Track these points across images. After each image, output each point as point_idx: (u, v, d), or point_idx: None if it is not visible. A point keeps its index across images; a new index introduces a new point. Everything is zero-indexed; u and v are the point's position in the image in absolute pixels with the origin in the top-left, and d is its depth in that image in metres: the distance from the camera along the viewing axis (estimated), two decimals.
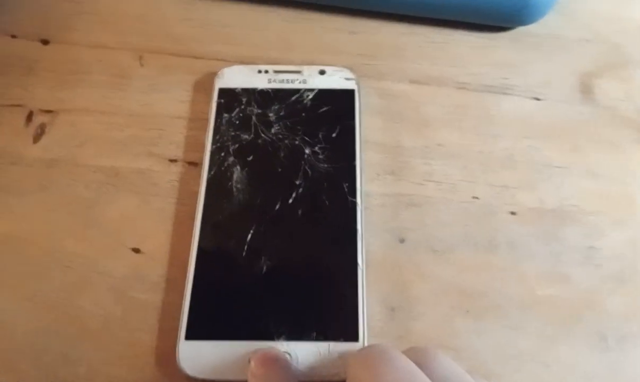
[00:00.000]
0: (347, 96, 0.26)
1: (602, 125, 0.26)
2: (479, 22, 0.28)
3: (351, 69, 0.27)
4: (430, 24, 0.29)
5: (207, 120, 0.26)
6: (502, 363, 0.21)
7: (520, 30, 0.29)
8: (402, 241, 0.24)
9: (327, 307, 0.21)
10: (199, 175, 0.25)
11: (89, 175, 0.26)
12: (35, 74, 0.28)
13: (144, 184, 0.26)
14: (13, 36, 0.29)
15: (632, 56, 0.28)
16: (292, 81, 0.26)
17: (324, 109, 0.26)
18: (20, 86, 0.28)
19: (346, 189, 0.24)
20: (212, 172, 0.24)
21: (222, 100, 0.26)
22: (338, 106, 0.26)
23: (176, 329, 0.22)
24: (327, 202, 0.23)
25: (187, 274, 0.22)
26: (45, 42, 0.29)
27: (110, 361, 0.22)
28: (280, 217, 0.23)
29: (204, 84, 0.28)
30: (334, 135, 0.25)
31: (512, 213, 0.24)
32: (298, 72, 0.27)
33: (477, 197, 0.25)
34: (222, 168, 0.25)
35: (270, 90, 0.26)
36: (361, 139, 0.25)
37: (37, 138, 0.27)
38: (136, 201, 0.25)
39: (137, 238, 0.24)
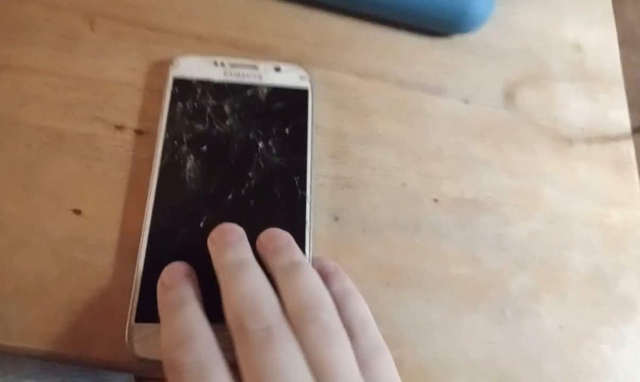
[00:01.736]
0: (300, 95, 0.27)
1: (520, 129, 0.29)
2: (422, 26, 0.31)
3: (305, 68, 0.28)
4: (377, 22, 0.31)
5: (157, 91, 0.27)
6: (415, 330, 0.24)
7: (458, 37, 0.31)
8: (336, 219, 0.26)
9: None
10: (147, 148, 0.26)
11: (30, 135, 0.26)
12: None
13: (88, 148, 0.26)
14: None
15: (552, 71, 0.31)
16: (248, 75, 0.27)
17: (278, 105, 0.26)
18: None
19: (297, 183, 0.25)
20: (164, 161, 0.25)
21: (177, 90, 0.26)
22: (292, 104, 0.27)
23: (115, 289, 0.23)
24: (278, 194, 0.24)
25: (137, 260, 0.23)
26: None
27: (46, 319, 0.23)
28: (233, 207, 0.24)
29: (155, 55, 0.28)
30: (286, 131, 0.26)
31: (435, 200, 0.27)
32: (254, 67, 0.27)
33: (406, 184, 0.27)
34: (175, 157, 0.25)
35: (225, 84, 0.27)
36: (312, 136, 0.26)
37: None
38: (78, 164, 0.25)
39: (77, 201, 0.25)
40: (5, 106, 0.26)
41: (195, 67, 0.27)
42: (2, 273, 0.23)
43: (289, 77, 0.27)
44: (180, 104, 0.26)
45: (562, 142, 0.30)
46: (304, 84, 0.27)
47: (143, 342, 0.21)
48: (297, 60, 0.29)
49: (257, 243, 0.22)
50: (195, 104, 0.26)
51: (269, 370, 0.17)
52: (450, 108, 0.29)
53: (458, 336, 0.24)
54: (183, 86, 0.26)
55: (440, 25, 0.30)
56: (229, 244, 0.21)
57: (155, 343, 0.21)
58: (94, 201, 0.25)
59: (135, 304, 0.22)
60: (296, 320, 0.18)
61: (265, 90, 0.27)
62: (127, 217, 0.25)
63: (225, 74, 0.27)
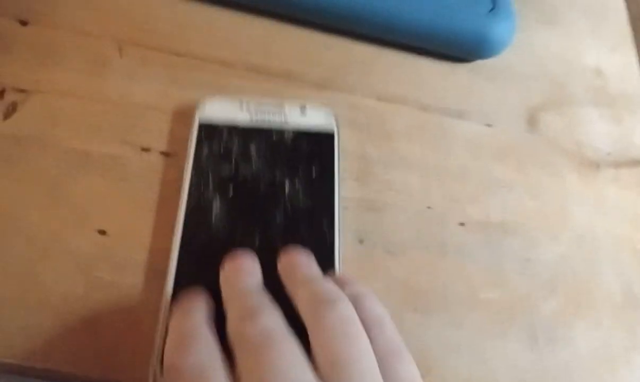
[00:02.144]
0: (327, 139, 0.27)
1: (544, 152, 0.29)
2: (443, 52, 0.31)
3: (331, 109, 0.28)
4: (398, 47, 0.31)
5: (183, 115, 0.27)
6: (443, 355, 0.23)
7: (479, 62, 0.32)
8: (361, 241, 0.26)
9: None
10: (173, 169, 0.26)
11: (59, 155, 0.26)
12: (10, 53, 0.29)
13: (114, 169, 0.26)
14: None
15: (575, 96, 0.32)
16: (273, 116, 0.27)
17: (304, 148, 0.26)
18: None
19: (325, 226, 0.24)
20: (190, 205, 0.25)
21: (203, 133, 0.26)
22: (318, 147, 0.26)
23: (141, 310, 0.23)
24: (306, 236, 0.24)
25: (161, 310, 0.22)
26: (23, 23, 0.30)
27: (68, 337, 0.22)
28: (260, 250, 0.23)
29: (181, 81, 0.29)
30: (313, 174, 0.26)
31: (461, 224, 0.27)
32: (279, 107, 0.27)
33: (430, 207, 0.27)
34: (201, 200, 0.25)
35: (251, 128, 0.27)
36: (339, 178, 0.26)
37: (7, 115, 0.27)
38: (104, 184, 0.26)
39: (103, 219, 0.25)
40: (36, 128, 0.27)
41: (221, 109, 0.27)
42: (26, 283, 0.23)
43: (315, 118, 0.27)
44: (206, 149, 0.26)
45: (589, 166, 0.29)
46: (330, 126, 0.27)
47: None
48: (320, 86, 0.30)
49: (279, 266, 0.22)
50: (221, 147, 0.26)
51: (269, 371, 0.16)
52: (473, 131, 0.29)
53: (488, 361, 0.23)
54: (208, 130, 0.27)
55: (461, 51, 0.31)
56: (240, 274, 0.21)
57: None
58: (119, 220, 0.25)
59: (161, 347, 0.21)
60: (308, 313, 0.18)
61: (291, 134, 0.27)
62: (154, 238, 0.25)
63: (250, 116, 0.27)
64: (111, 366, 0.22)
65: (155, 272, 0.24)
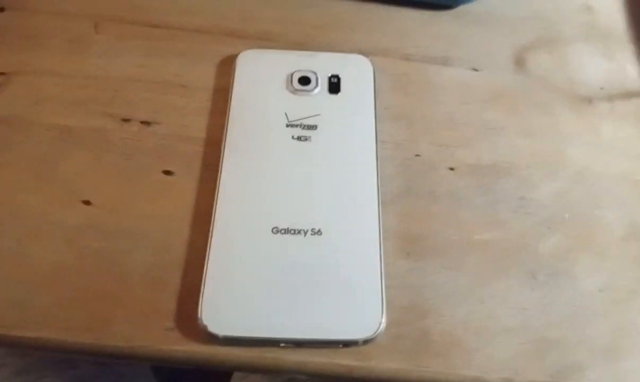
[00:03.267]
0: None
1: (535, 92, 0.28)
2: (424, 0, 0.30)
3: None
4: (379, 1, 0.31)
5: (161, 83, 0.27)
6: (441, 300, 0.23)
7: (462, 8, 0.31)
8: None
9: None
10: (153, 137, 0.26)
11: (42, 132, 0.26)
12: None
13: (97, 141, 0.26)
14: None
15: (564, 33, 0.31)
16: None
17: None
18: None
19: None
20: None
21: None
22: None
23: (129, 274, 0.23)
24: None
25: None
26: (1, 9, 0.30)
27: (61, 304, 0.22)
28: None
29: (159, 52, 0.29)
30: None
31: (451, 169, 0.26)
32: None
33: (419, 155, 0.26)
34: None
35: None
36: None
37: None
38: (87, 156, 0.26)
39: (87, 191, 0.25)
40: (19, 107, 0.27)
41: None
42: (17, 261, 0.23)
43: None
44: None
45: (582, 102, 0.28)
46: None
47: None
48: (301, 44, 0.29)
49: None
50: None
51: None
52: (459, 77, 0.29)
53: (488, 303, 0.23)
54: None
55: None
56: None
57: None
58: (103, 190, 0.25)
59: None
60: None
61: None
62: (139, 204, 0.24)
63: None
64: (103, 332, 0.22)
65: (140, 237, 0.23)
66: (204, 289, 0.22)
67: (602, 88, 0.29)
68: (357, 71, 0.28)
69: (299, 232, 0.23)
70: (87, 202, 0.24)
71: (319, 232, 0.23)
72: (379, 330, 0.21)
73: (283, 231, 0.23)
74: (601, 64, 0.29)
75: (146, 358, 0.22)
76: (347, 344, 0.21)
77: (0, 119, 0.26)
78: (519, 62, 0.29)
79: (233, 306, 0.21)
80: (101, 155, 0.26)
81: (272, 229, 0.23)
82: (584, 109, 0.28)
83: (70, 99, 0.27)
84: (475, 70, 0.29)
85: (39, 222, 0.24)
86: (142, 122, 0.27)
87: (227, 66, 0.28)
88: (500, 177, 0.26)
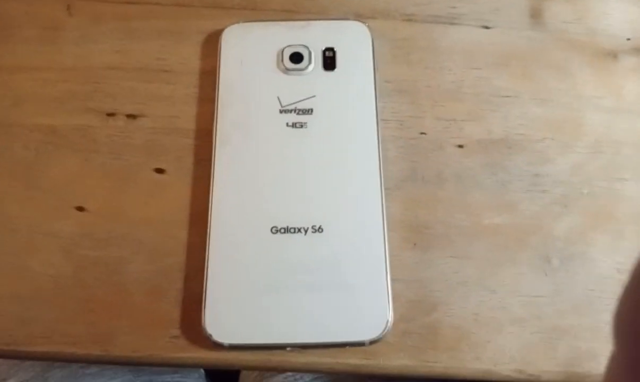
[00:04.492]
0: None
1: (552, 49, 0.26)
2: None
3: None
4: None
5: (144, 70, 0.25)
6: (449, 291, 0.22)
7: None
8: None
9: None
10: (140, 132, 0.24)
11: (26, 135, 0.25)
12: None
13: (83, 141, 0.25)
14: None
15: None
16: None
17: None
18: None
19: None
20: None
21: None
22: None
23: (129, 283, 0.22)
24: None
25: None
26: None
27: (65, 319, 0.22)
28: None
29: (138, 32, 0.26)
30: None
31: (460, 146, 0.24)
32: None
33: (424, 133, 0.24)
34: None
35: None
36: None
37: None
38: (77, 159, 0.24)
39: (79, 196, 0.24)
40: None
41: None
42: (18, 276, 0.23)
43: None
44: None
45: (605, 58, 0.25)
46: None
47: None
48: (290, 11, 0.27)
49: None
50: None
51: None
52: (468, 37, 0.26)
53: (499, 292, 0.22)
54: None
55: None
56: None
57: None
58: (95, 194, 0.24)
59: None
60: None
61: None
62: (131, 208, 0.24)
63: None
64: (110, 344, 0.22)
65: (137, 243, 0.23)
66: (206, 298, 0.21)
67: (628, 39, 0.26)
68: (354, 41, 0.25)
69: (299, 230, 0.22)
70: (80, 209, 0.24)
71: (320, 230, 0.22)
72: (386, 329, 0.20)
73: (283, 230, 0.22)
74: (628, 10, 0.26)
75: (156, 365, 0.22)
76: (353, 345, 0.21)
77: None
78: (535, 14, 0.26)
79: (236, 313, 0.21)
80: (89, 156, 0.24)
81: (272, 228, 0.22)
82: (607, 66, 0.25)
83: (50, 96, 0.26)
84: (486, 27, 0.26)
85: (34, 234, 0.23)
86: (128, 116, 0.25)
87: (212, 44, 0.26)
88: (512, 152, 0.24)
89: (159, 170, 0.24)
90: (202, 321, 0.21)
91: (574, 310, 0.21)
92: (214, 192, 0.23)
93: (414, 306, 0.22)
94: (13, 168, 0.24)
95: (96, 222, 0.23)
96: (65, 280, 0.23)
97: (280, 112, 0.24)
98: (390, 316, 0.21)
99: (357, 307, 0.21)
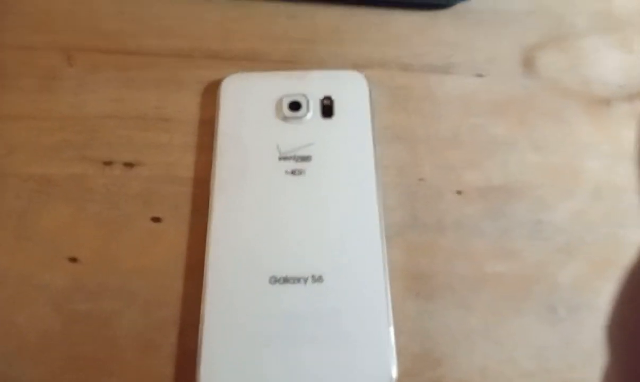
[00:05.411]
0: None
1: (546, 98, 0.26)
2: (418, 0, 0.28)
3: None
4: (368, 5, 0.28)
5: (141, 119, 0.25)
6: (454, 343, 0.21)
7: (460, 7, 0.28)
8: None
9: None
10: (137, 182, 0.24)
11: (19, 184, 0.24)
12: None
13: (78, 190, 0.24)
14: None
15: (575, 27, 0.28)
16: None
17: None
18: None
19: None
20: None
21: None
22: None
23: (121, 338, 0.21)
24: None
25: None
26: None
27: (53, 376, 0.21)
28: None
29: (136, 81, 0.27)
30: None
31: (459, 192, 0.24)
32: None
33: (423, 179, 0.24)
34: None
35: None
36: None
37: None
38: (70, 209, 0.24)
39: (73, 247, 0.23)
40: None
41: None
42: (3, 331, 0.22)
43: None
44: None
45: (599, 105, 0.26)
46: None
47: None
48: (289, 62, 0.27)
49: None
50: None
51: None
52: (463, 86, 0.26)
53: (505, 344, 0.21)
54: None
55: None
56: None
57: None
58: (89, 244, 0.23)
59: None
60: None
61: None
62: (126, 259, 0.23)
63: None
64: None
65: (130, 295, 0.22)
66: (201, 353, 0.20)
67: (621, 86, 0.26)
68: (352, 90, 0.26)
69: (299, 280, 0.21)
70: (73, 259, 0.23)
71: (319, 279, 0.21)
72: None
73: (281, 281, 0.21)
74: (619, 58, 0.27)
75: None
76: None
77: None
78: (528, 63, 0.27)
79: (233, 368, 0.20)
80: (84, 206, 0.24)
81: (270, 278, 0.21)
82: (602, 112, 0.26)
83: (46, 145, 0.25)
84: (480, 76, 0.27)
85: (23, 287, 0.22)
86: (125, 164, 0.25)
87: (211, 94, 0.26)
88: (512, 199, 0.24)
89: (155, 219, 0.24)
90: (197, 378, 0.20)
91: (584, 362, 0.21)
92: (210, 241, 0.22)
93: (419, 360, 0.21)
94: (4, 218, 0.24)
95: (88, 273, 0.23)
96: (53, 335, 0.22)
97: (280, 159, 0.24)
98: (394, 371, 0.20)
99: (360, 360, 0.20)
